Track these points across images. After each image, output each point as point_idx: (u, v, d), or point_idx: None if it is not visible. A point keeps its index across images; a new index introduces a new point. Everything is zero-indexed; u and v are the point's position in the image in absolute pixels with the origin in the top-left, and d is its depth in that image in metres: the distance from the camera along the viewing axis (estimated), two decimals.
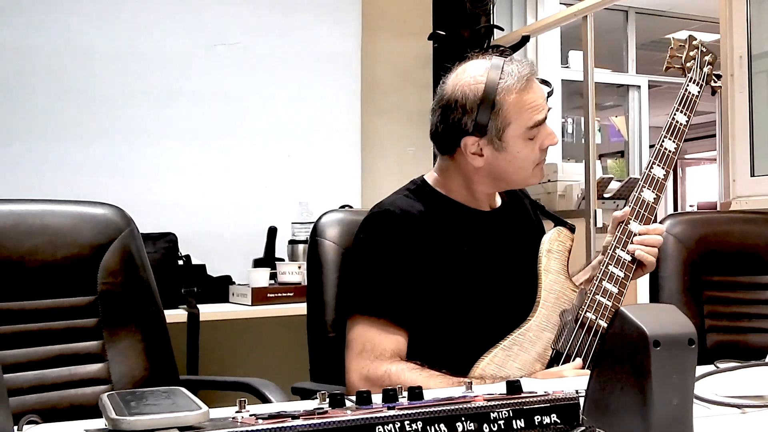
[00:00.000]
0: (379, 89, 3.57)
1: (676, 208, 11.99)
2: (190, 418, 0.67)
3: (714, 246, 2.01)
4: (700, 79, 1.77)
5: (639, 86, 6.50)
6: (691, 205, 11.93)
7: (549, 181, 4.37)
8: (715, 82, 1.81)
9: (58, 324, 1.43)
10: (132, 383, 1.47)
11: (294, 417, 0.68)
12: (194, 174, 3.06)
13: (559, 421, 0.75)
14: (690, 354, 0.81)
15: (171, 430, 0.65)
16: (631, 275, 1.58)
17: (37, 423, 0.99)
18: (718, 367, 1.27)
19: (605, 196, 4.47)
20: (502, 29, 4.38)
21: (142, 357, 1.50)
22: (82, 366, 1.44)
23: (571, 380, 1.39)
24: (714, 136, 3.34)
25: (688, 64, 1.79)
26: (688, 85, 1.75)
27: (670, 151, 1.68)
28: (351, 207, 3.02)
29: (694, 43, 1.81)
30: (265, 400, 1.49)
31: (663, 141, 1.68)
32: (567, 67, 5.42)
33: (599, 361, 0.86)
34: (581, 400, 0.81)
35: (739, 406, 1.07)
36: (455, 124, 1.53)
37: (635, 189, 1.65)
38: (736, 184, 2.99)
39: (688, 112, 1.71)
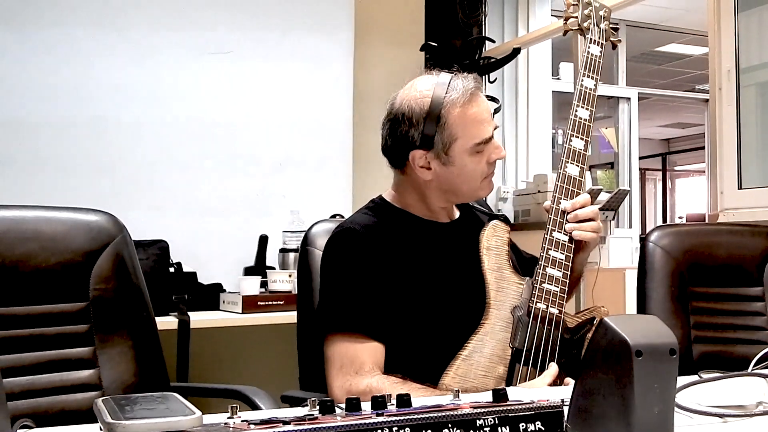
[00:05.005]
0: (371, 99, 3.59)
1: (665, 219, 12.05)
2: (184, 423, 0.68)
3: (701, 258, 2.03)
4: (599, 38, 1.72)
5: (629, 98, 6.53)
6: (680, 217, 11.98)
7: (539, 191, 4.40)
8: (614, 36, 1.75)
9: (50, 329, 1.44)
10: (123, 389, 1.48)
11: (285, 422, 0.70)
12: (186, 182, 3.07)
13: (543, 429, 0.77)
14: (671, 364, 0.83)
15: None
16: (572, 255, 1.57)
17: (30, 428, 1.00)
18: (701, 377, 1.29)
19: None
20: (493, 41, 4.42)
21: (133, 363, 1.51)
22: (73, 372, 1.45)
23: (555, 389, 1.40)
24: (703, 148, 3.37)
25: (585, 24, 1.73)
26: (589, 47, 1.70)
27: (584, 120, 1.64)
28: (342, 216, 3.03)
29: (586, 0, 1.75)
30: (255, 407, 1.50)
31: (576, 110, 1.65)
32: (558, 78, 5.46)
33: (583, 370, 0.87)
34: (565, 408, 0.83)
35: (721, 416, 1.09)
36: (403, 138, 1.56)
37: (559, 166, 1.63)
38: (723, 196, 3.01)
39: (594, 76, 1.67)
